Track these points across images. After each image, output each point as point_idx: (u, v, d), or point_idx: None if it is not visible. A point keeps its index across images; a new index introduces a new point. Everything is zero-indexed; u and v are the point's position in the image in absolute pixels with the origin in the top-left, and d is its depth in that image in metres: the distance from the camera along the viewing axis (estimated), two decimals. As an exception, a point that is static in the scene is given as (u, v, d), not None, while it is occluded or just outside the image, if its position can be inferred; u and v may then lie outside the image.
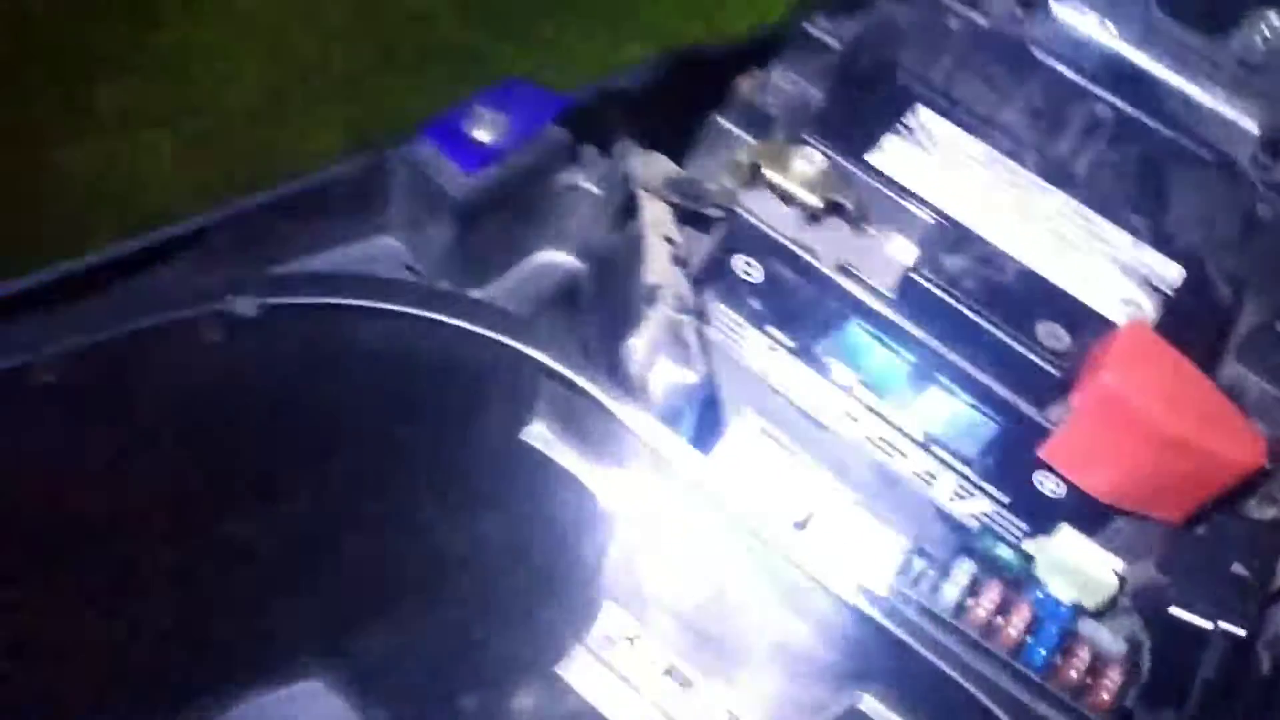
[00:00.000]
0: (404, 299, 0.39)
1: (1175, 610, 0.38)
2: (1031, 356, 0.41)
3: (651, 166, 0.49)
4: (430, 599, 0.51)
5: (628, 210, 0.49)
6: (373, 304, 0.38)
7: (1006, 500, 0.45)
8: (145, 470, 0.41)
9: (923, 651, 0.36)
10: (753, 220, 0.45)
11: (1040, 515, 0.44)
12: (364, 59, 1.27)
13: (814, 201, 0.43)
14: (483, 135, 0.43)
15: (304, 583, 0.50)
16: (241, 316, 0.37)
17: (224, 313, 0.37)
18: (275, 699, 0.55)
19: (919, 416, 0.46)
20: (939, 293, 0.42)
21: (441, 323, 0.39)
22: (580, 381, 0.39)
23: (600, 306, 0.51)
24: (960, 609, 0.39)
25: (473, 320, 0.39)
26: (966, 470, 0.45)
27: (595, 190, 0.46)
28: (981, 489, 0.45)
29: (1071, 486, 0.43)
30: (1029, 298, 0.43)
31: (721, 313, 0.49)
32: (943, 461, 0.46)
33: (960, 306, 0.42)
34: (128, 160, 1.15)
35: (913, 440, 0.46)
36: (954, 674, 0.36)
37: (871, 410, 0.47)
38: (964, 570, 0.39)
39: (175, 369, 0.38)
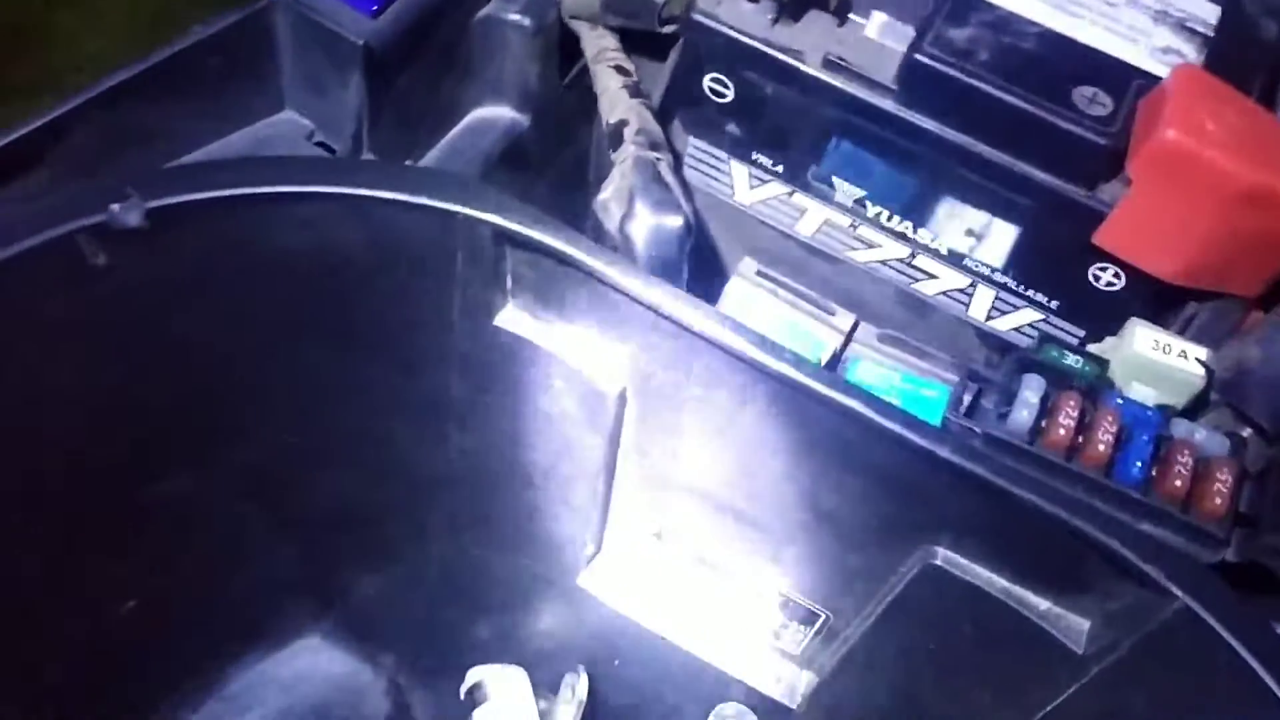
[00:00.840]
0: (326, 177, 0.31)
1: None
2: (1072, 128, 0.35)
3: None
4: (421, 526, 0.46)
5: (566, 45, 0.42)
6: (288, 188, 0.31)
7: (1055, 305, 0.39)
8: (51, 436, 0.34)
9: (1002, 484, 0.31)
10: (716, 26, 0.38)
11: (1098, 315, 0.39)
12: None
13: (786, -11, 0.36)
14: (374, -31, 0.35)
15: (273, 532, 0.44)
16: (127, 227, 0.30)
17: (105, 226, 0.30)
18: (273, 662, 0.51)
19: (942, 227, 0.39)
20: (950, 72, 0.35)
21: (376, 199, 0.32)
22: (557, 244, 0.32)
23: (550, 164, 0.44)
24: (1035, 432, 0.33)
25: (414, 191, 0.32)
26: (1005, 280, 0.40)
27: (525, 23, 0.39)
28: (1025, 297, 0.40)
29: (1132, 274, 0.37)
30: (1055, 62, 0.36)
31: (696, 149, 0.42)
32: (977, 274, 0.40)
33: (977, 82, 0.35)
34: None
35: (938, 256, 0.40)
36: (1041, 503, 0.31)
37: (885, 229, 0.41)
38: (1032, 389, 0.34)
39: (58, 307, 0.31)
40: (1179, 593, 0.29)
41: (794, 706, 0.42)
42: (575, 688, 0.43)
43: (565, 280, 0.34)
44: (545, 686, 0.44)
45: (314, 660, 0.51)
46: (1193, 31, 0.38)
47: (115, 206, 0.30)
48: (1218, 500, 0.32)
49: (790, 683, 0.42)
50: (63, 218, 0.30)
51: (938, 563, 0.34)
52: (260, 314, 0.35)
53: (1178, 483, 0.32)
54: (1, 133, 0.31)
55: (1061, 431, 0.33)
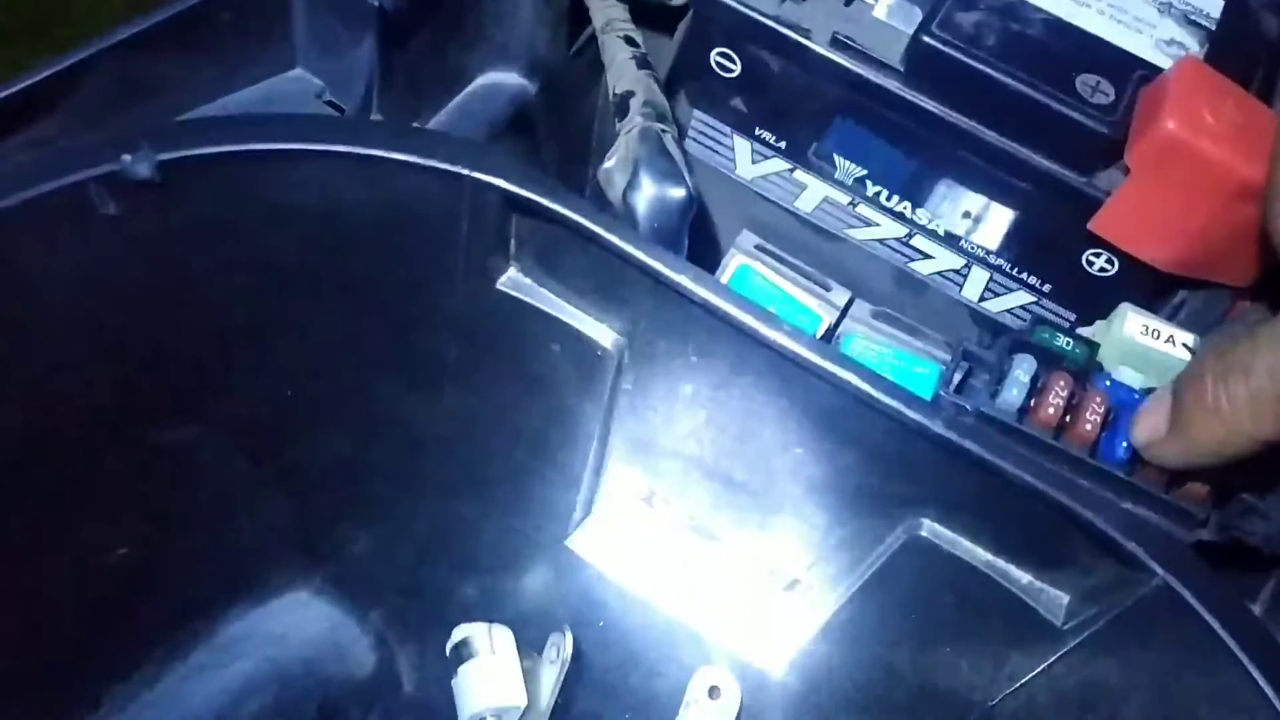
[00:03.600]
0: (336, 136, 0.32)
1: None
2: (1074, 115, 0.35)
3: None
4: (412, 485, 0.46)
5: (575, 13, 0.42)
6: (298, 145, 0.31)
7: (1048, 289, 0.40)
8: (51, 384, 0.34)
9: (992, 460, 0.32)
10: (726, 1, 0.38)
11: (1090, 299, 0.39)
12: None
13: (797, -33, 0.37)
14: (393, -70, 0.35)
15: (267, 486, 0.45)
16: (138, 178, 0.30)
17: (116, 175, 0.30)
18: (263, 615, 0.51)
19: (940, 208, 0.40)
20: (956, 55, 0.36)
21: (385, 160, 0.32)
22: (563, 210, 0.33)
23: (555, 131, 0.44)
24: (1024, 410, 0.34)
25: (423, 153, 0.32)
26: (1000, 262, 0.40)
27: (537, -13, 0.39)
28: (1019, 280, 0.40)
29: (1125, 261, 0.38)
30: (1060, 50, 0.37)
31: (700, 122, 0.43)
32: (972, 256, 0.41)
33: (983, 67, 0.36)
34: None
35: (935, 237, 0.41)
36: (1028, 479, 0.32)
37: (884, 209, 0.41)
38: (1023, 369, 0.34)
39: (65, 254, 0.31)
40: (1158, 570, 0.30)
41: (775, 673, 0.43)
42: (560, 648, 0.44)
43: (568, 245, 0.35)
44: (531, 645, 0.45)
45: (303, 614, 0.52)
46: (1196, 24, 0.39)
47: (126, 157, 0.30)
48: (1200, 482, 0.33)
49: (772, 650, 0.43)
50: (74, 167, 0.30)
51: (923, 534, 0.35)
52: (265, 267, 0.35)
53: (1161, 464, 0.33)
54: (14, 79, 0.31)
55: (1050, 411, 0.34)
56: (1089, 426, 0.33)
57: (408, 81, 0.38)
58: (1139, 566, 0.30)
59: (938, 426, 0.32)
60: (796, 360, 0.32)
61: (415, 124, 0.40)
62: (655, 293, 0.34)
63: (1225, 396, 0.28)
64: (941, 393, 0.36)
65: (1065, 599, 0.34)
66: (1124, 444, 0.33)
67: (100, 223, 0.31)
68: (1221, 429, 0.28)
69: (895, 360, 0.41)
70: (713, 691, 0.44)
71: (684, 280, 0.32)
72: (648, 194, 0.37)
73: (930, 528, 0.35)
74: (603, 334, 0.36)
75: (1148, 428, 0.31)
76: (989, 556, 0.35)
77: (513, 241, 0.36)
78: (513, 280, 0.37)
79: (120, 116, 0.34)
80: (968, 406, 0.35)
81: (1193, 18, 0.39)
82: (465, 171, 0.32)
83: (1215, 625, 0.29)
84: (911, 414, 0.32)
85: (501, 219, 0.34)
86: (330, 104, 0.38)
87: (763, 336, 0.32)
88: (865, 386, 0.32)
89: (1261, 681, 0.29)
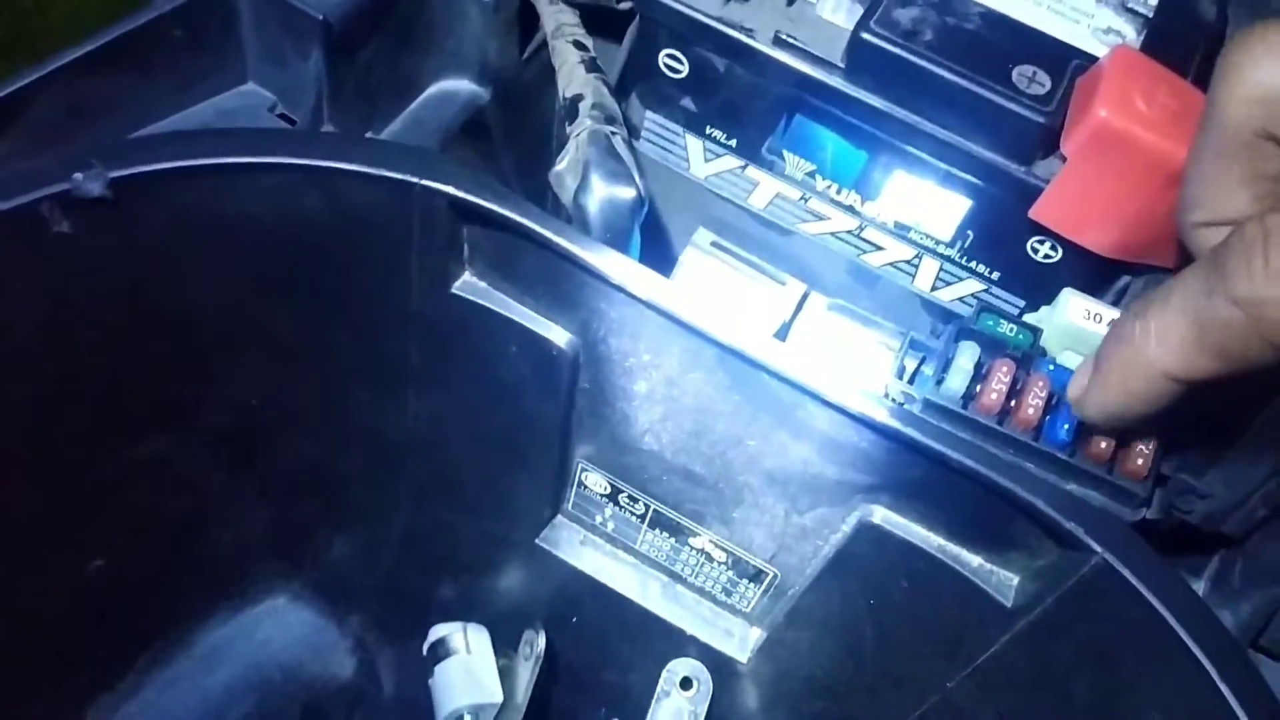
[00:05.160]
0: (283, 148, 0.32)
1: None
2: (1011, 106, 0.36)
3: (543, -37, 0.42)
4: (386, 489, 0.47)
5: (525, 20, 0.43)
6: (246, 159, 0.32)
7: (996, 277, 0.41)
8: (19, 401, 0.35)
9: (936, 448, 0.32)
10: (670, 2, 0.39)
11: (1036, 285, 0.40)
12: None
13: (738, -32, 0.37)
14: (339, -59, 0.36)
15: (241, 494, 0.45)
16: (90, 196, 0.31)
17: (68, 194, 0.31)
18: (242, 622, 0.52)
19: (889, 201, 0.41)
20: (895, 50, 0.37)
21: (334, 170, 0.33)
22: (509, 214, 0.33)
23: (512, 136, 0.45)
24: (969, 397, 0.35)
25: (370, 162, 0.33)
26: (949, 252, 0.41)
27: (485, -5, 0.40)
28: (968, 269, 0.41)
29: (1067, 248, 0.38)
30: (997, 42, 0.37)
31: (652, 122, 0.43)
32: (922, 246, 0.41)
33: (922, 62, 0.36)
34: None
35: (885, 229, 0.42)
36: (972, 465, 0.32)
37: (835, 203, 0.42)
38: (967, 355, 0.35)
39: (20, 276, 0.32)
40: (1097, 548, 0.31)
41: (744, 660, 0.43)
42: (534, 644, 0.44)
43: (519, 249, 0.35)
44: (506, 644, 0.45)
45: (282, 620, 0.52)
46: (1134, 12, 0.39)
47: (78, 176, 0.31)
48: (1140, 461, 0.34)
49: (741, 638, 0.44)
50: (26, 187, 0.31)
51: (875, 521, 0.36)
52: (224, 280, 0.36)
53: (1103, 444, 0.34)
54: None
55: (994, 396, 0.34)
56: (1032, 410, 0.34)
57: (359, 91, 0.39)
58: (1079, 546, 0.31)
59: (883, 417, 0.32)
60: (743, 356, 0.33)
61: (369, 133, 0.40)
62: (604, 294, 0.34)
63: (1138, 327, 0.28)
64: (890, 382, 0.36)
65: (1015, 580, 0.35)
66: (1066, 426, 0.34)
67: (56, 241, 0.31)
68: (1131, 359, 0.28)
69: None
70: (685, 683, 0.45)
71: (629, 281, 0.33)
72: (598, 195, 0.38)
73: (883, 514, 0.36)
74: (557, 334, 0.37)
75: (1078, 382, 0.32)
76: (941, 541, 0.35)
77: (465, 246, 0.36)
78: (468, 284, 0.37)
79: (73, 136, 0.34)
80: (914, 395, 0.35)
81: (1130, 5, 0.39)
82: (412, 179, 0.33)
83: (1153, 600, 0.30)
84: (857, 405, 0.32)
85: (452, 225, 0.35)
86: (283, 116, 0.38)
87: (709, 334, 0.33)
88: (810, 380, 0.33)
89: (1199, 654, 0.30)
